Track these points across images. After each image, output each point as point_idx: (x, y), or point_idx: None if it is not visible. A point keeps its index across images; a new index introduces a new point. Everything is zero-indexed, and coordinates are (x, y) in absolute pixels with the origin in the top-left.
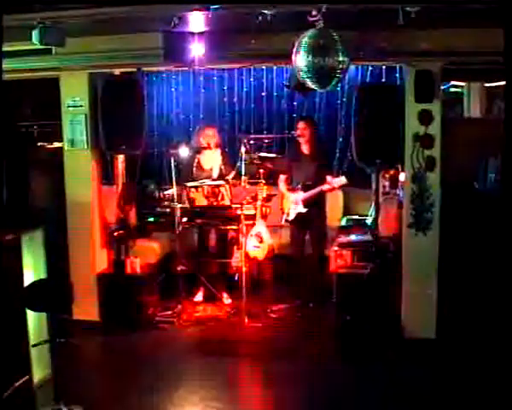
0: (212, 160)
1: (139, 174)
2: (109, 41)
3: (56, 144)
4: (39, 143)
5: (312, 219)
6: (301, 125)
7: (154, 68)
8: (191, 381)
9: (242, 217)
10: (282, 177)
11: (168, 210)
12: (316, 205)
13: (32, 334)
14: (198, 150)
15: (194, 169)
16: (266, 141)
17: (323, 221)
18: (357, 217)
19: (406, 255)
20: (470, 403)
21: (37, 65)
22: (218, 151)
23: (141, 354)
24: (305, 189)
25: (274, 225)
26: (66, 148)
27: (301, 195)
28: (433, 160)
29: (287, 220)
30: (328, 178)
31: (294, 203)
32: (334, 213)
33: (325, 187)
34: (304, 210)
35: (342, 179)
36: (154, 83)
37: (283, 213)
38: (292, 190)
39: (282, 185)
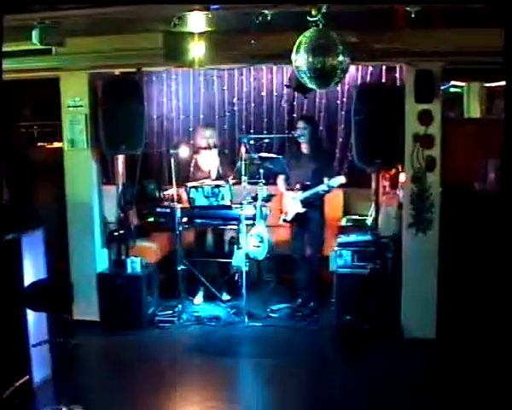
0: (210, 161)
1: (139, 174)
2: (109, 41)
3: (56, 144)
4: (39, 143)
5: (310, 219)
6: (301, 124)
7: (154, 68)
8: (191, 381)
9: (242, 217)
10: (281, 176)
11: (168, 210)
12: (314, 206)
13: (32, 334)
14: (196, 151)
15: (192, 170)
16: (266, 141)
17: (322, 222)
18: (357, 217)
19: (406, 255)
20: (471, 403)
21: (37, 65)
22: (215, 152)
23: (141, 354)
24: (304, 189)
25: (274, 225)
26: (66, 148)
27: (299, 195)
28: (433, 160)
29: (285, 220)
30: (325, 179)
31: (292, 203)
32: (334, 213)
33: (321, 189)
34: (302, 210)
35: (340, 179)
36: (154, 83)
37: (281, 212)
38: (291, 189)
39: (280, 185)
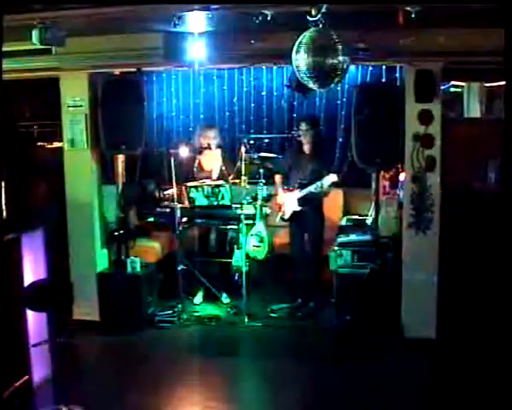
0: (212, 161)
1: (139, 174)
2: (109, 41)
3: (56, 144)
4: (39, 143)
5: (308, 218)
6: (303, 126)
7: (154, 68)
8: (191, 381)
9: (242, 217)
10: (278, 176)
11: (168, 210)
12: (311, 205)
13: (32, 334)
14: (199, 151)
15: (195, 170)
16: (266, 141)
17: (320, 222)
18: (357, 217)
19: (406, 255)
20: (471, 403)
21: (37, 65)
22: (219, 152)
23: (141, 354)
24: (302, 187)
25: (274, 225)
26: (66, 148)
27: (296, 193)
28: (433, 160)
29: (282, 219)
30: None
31: (288, 202)
32: (334, 213)
33: (313, 188)
34: (298, 209)
35: (332, 177)
36: (154, 83)
37: (280, 211)
38: (289, 189)
39: (278, 184)
